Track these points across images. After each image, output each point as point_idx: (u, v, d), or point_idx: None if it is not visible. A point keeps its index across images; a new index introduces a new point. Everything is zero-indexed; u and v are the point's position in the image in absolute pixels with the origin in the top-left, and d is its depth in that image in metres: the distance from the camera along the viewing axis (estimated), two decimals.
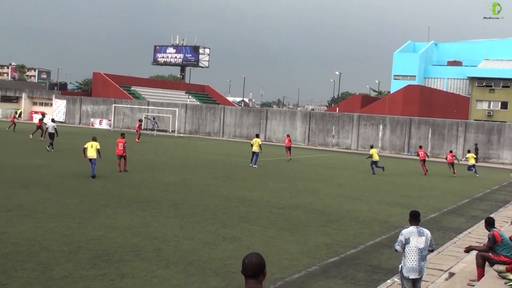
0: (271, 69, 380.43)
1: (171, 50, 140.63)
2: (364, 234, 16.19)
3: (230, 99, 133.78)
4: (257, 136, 35.03)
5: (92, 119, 73.03)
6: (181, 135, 63.01)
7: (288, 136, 41.28)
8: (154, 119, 62.47)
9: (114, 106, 69.00)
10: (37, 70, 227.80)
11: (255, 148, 33.52)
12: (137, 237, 13.86)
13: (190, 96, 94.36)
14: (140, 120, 52.03)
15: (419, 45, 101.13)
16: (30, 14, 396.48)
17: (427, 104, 72.89)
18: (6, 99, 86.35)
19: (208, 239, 14.11)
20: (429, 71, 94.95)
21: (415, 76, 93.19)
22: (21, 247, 12.26)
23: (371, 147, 36.01)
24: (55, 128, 37.08)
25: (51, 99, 79.36)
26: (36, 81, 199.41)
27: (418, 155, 37.18)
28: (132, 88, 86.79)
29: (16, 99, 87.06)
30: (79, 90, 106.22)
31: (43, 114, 68.45)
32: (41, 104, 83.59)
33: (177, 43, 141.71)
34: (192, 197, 20.47)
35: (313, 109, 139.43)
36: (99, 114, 73.28)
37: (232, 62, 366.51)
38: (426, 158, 37.22)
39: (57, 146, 35.39)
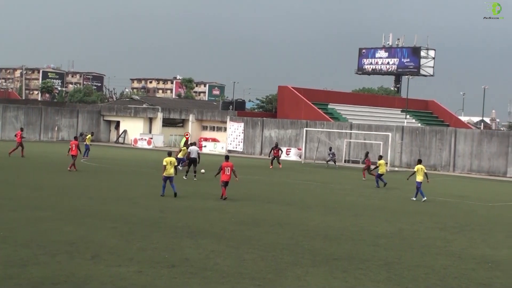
0: None
1: (382, 53, 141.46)
2: None
3: (464, 119, 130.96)
4: (420, 161, 37.01)
5: None
6: (396, 169, 62.68)
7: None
8: (331, 149, 62.70)
9: (306, 130, 70.48)
10: (207, 85, 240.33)
11: (420, 178, 35.47)
12: None
13: (407, 116, 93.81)
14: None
15: None
16: (201, 22, 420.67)
17: None
18: (170, 123, 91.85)
19: None
20: None
21: None
22: None
23: (380, 157, 44.55)
24: (198, 153, 41.96)
25: (225, 122, 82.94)
26: (207, 98, 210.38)
27: None
28: (329, 106, 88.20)
29: (182, 123, 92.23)
30: (260, 110, 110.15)
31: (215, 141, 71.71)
32: (212, 128, 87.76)
33: (390, 44, 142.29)
34: (411, 254, 20.23)
35: None
36: (286, 141, 75.25)
37: (466, 68, 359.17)
38: None
39: (234, 184, 36.76)
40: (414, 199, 35.68)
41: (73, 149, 42.77)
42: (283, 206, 30.43)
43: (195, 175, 41.37)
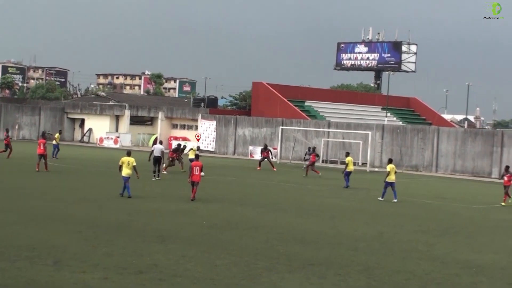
0: (509, 71, 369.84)
1: (361, 48, 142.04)
2: None
3: (447, 117, 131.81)
4: (391, 161, 37.27)
5: (251, 148, 75.09)
6: (376, 169, 62.85)
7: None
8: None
9: (282, 129, 70.51)
10: (178, 81, 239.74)
11: (392, 178, 35.85)
12: None
13: (388, 114, 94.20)
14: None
15: None
16: (171, 14, 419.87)
17: None
18: (138, 121, 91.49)
19: None
20: None
21: None
22: None
23: (347, 154, 44.58)
24: (162, 151, 42.28)
25: (196, 120, 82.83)
26: (177, 95, 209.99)
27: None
28: (306, 104, 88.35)
29: (151, 121, 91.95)
30: (234, 107, 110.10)
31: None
32: (183, 127, 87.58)
33: (370, 38, 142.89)
34: (392, 259, 20.29)
35: None
36: (261, 140, 75.17)
37: (449, 64, 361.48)
38: None
39: (206, 185, 36.80)
40: (395, 200, 35.87)
41: (41, 147, 43.10)
42: (258, 208, 30.42)
43: (158, 174, 41.84)
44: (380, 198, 36.21)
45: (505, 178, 37.16)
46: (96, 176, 43.25)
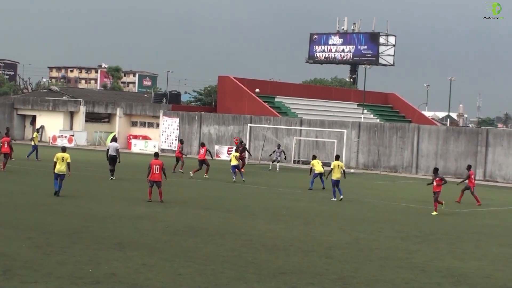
0: (494, 66, 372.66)
1: (335, 39, 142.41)
2: None
3: (428, 114, 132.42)
4: (337, 157, 39.56)
5: (217, 147, 74.92)
6: (352, 170, 63.04)
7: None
8: (279, 147, 61.81)
9: (250, 127, 70.48)
10: (137, 75, 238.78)
11: (336, 176, 37.21)
12: None
13: (365, 111, 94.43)
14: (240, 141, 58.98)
15: None
16: (129, 1, 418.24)
17: None
18: (94, 118, 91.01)
19: None
20: None
21: None
22: None
23: (314, 157, 44.58)
24: (117, 150, 42.21)
25: (158, 117, 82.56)
26: (136, 90, 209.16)
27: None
28: (276, 99, 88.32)
29: (108, 118, 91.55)
30: (198, 103, 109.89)
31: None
32: (143, 124, 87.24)
33: (345, 29, 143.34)
34: (369, 267, 20.40)
35: None
36: (228, 139, 75.18)
37: (431, 57, 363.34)
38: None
39: (167, 189, 36.71)
40: (334, 199, 37.21)
41: (5, 146, 44.55)
42: (224, 213, 30.43)
43: (112, 174, 42.08)
44: (341, 197, 37.35)
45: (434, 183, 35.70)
46: (48, 178, 42.92)
